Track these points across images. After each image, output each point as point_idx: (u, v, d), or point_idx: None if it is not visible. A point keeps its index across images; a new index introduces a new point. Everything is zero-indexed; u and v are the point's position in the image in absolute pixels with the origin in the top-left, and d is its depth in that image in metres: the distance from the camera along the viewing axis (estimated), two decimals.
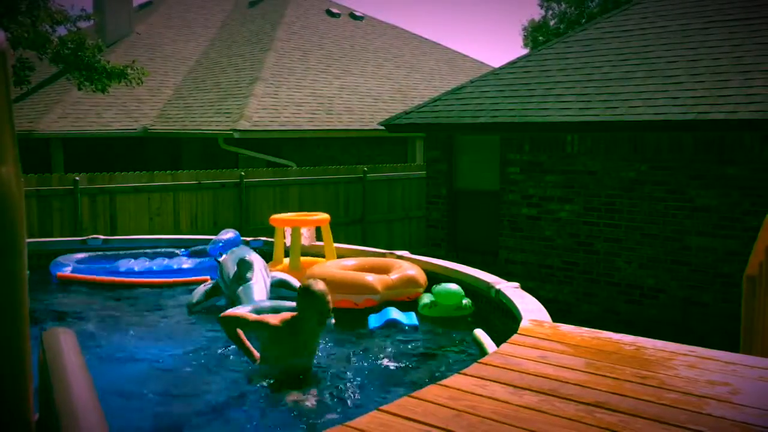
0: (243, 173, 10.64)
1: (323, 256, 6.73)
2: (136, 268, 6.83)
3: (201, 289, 5.86)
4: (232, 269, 5.64)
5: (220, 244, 6.83)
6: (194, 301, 5.75)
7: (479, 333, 4.64)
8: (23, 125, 13.98)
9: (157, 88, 16.19)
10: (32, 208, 8.72)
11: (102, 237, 7.75)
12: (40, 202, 8.86)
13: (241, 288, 5.40)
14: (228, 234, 7.07)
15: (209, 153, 14.48)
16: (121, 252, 7.31)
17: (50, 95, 15.65)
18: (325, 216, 6.67)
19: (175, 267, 6.88)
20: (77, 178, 9.18)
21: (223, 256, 6.06)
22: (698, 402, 2.57)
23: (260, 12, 19.48)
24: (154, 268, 6.87)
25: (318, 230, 6.99)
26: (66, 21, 12.23)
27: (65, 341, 1.14)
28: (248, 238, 7.41)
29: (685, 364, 3.00)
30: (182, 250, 7.47)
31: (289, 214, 7.17)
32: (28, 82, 12.93)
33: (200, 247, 7.33)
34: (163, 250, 7.43)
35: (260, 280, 5.55)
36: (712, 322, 7.67)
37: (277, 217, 6.76)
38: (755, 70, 7.81)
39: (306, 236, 6.84)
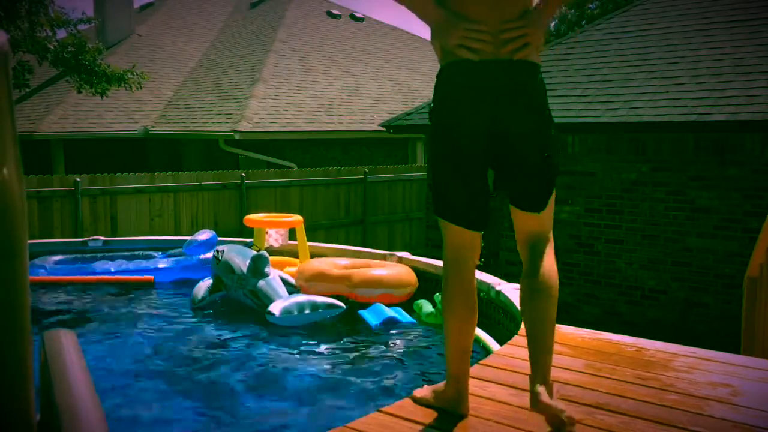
0: (244, 174, 10.64)
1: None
2: (112, 269, 6.88)
3: (204, 286, 5.98)
4: (242, 264, 5.76)
5: (195, 244, 6.94)
6: (199, 297, 5.87)
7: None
8: (24, 126, 13.99)
9: (158, 89, 16.19)
10: (33, 209, 8.72)
11: (102, 238, 7.73)
12: (41, 204, 8.85)
13: (263, 282, 5.57)
14: (204, 234, 7.15)
15: (210, 154, 14.49)
16: (99, 255, 7.34)
17: (51, 96, 15.66)
18: (299, 218, 6.84)
19: (152, 268, 6.91)
20: (78, 179, 9.18)
21: (224, 252, 6.09)
22: (699, 403, 2.57)
23: (261, 13, 19.49)
24: (131, 267, 6.93)
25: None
26: (66, 24, 12.19)
27: (66, 342, 1.14)
28: (248, 239, 7.43)
29: (685, 365, 3.00)
30: (159, 253, 7.49)
31: (261, 215, 7.36)
32: (27, 86, 12.92)
33: (177, 249, 7.38)
34: (140, 252, 7.48)
35: (275, 273, 5.78)
36: (712, 324, 7.66)
37: (251, 218, 6.98)
38: (757, 71, 7.81)
39: (277, 237, 7.07)
